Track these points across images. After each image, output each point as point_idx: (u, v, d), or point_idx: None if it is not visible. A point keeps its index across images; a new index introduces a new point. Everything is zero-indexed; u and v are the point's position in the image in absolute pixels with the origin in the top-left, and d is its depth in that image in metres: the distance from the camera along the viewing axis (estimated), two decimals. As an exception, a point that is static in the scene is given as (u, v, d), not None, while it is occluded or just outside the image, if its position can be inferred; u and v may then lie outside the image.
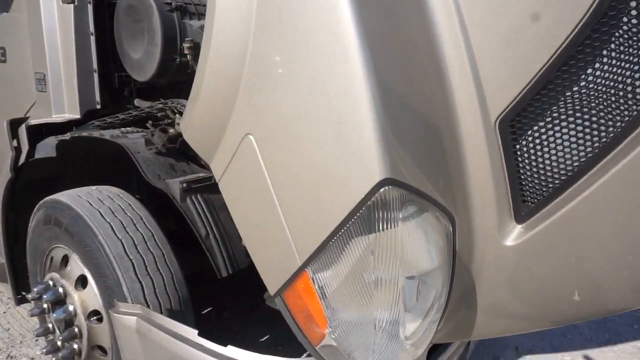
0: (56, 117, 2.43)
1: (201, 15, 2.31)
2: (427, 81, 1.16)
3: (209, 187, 2.11)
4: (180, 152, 2.21)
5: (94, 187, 2.32)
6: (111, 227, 2.08)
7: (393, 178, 1.05)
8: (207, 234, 2.01)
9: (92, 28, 2.34)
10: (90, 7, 2.32)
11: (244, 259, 2.09)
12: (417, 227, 1.15)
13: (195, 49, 2.17)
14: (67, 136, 2.25)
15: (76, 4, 2.29)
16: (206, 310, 3.24)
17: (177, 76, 2.32)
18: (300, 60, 1.09)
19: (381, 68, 1.03)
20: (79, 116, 2.39)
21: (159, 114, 2.36)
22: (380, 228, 1.10)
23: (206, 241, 2.00)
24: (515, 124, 1.22)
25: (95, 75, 2.37)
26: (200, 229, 2.01)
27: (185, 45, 2.16)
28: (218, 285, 2.99)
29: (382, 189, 1.05)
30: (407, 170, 1.08)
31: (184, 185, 2.03)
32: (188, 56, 2.18)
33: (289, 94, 1.11)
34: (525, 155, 1.24)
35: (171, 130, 2.17)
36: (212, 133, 1.27)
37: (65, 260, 2.26)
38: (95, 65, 2.37)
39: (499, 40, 1.15)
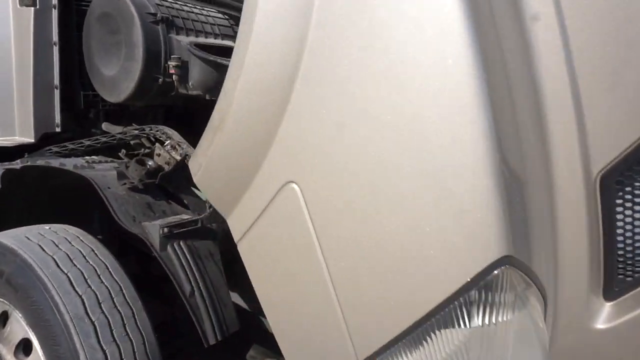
0: (3, 140, 2.03)
1: (189, 31, 2.00)
2: (524, 119, 0.91)
3: (194, 233, 1.77)
4: (160, 188, 1.85)
5: (46, 227, 1.91)
6: (69, 279, 1.68)
7: (513, 256, 0.78)
8: (192, 291, 1.66)
9: (55, 37, 1.98)
10: (54, 13, 1.97)
11: (235, 322, 1.75)
12: (528, 316, 0.88)
13: (183, 68, 1.87)
14: (16, 164, 1.85)
15: (37, 7, 1.93)
16: (171, 364, 2.80)
17: (156, 99, 2.00)
18: (382, 79, 0.80)
19: (494, 100, 0.77)
20: (32, 140, 2.00)
21: (132, 142, 2.00)
22: (486, 319, 0.82)
23: (191, 300, 1.65)
24: (622, 181, 0.99)
25: (57, 93, 2.01)
26: (183, 284, 1.66)
27: (171, 63, 1.86)
28: (186, 337, 2.60)
29: (497, 270, 0.78)
30: (522, 243, 0.82)
31: (165, 230, 1.68)
32: (174, 76, 1.88)
33: (361, 130, 0.82)
34: (629, 219, 1.01)
35: (150, 162, 1.82)
36: (237, 177, 0.95)
37: (3, 318, 1.82)
38: (57, 81, 2.00)
39: (613, 72, 0.92)
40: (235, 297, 2.13)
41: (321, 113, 0.85)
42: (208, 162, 1.01)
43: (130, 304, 1.73)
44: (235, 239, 1.04)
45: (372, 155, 0.82)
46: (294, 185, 0.89)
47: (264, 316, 2.09)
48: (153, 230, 1.68)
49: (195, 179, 1.08)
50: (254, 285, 1.06)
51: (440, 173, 0.78)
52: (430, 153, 0.79)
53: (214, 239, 1.83)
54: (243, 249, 1.04)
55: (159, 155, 1.84)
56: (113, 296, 1.71)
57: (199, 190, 2.00)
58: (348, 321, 0.87)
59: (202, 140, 1.04)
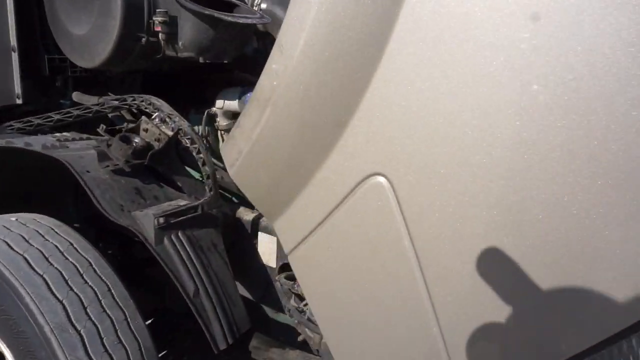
0: (-48, 116, 1.69)
1: (175, -20, 1.68)
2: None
3: (193, 221, 1.52)
4: (149, 170, 1.58)
5: (12, 217, 1.62)
6: (45, 282, 1.42)
7: None
8: (196, 290, 1.42)
9: (9, -12, 1.63)
10: (6, -43, 1.61)
11: (245, 321, 1.53)
12: None
13: (171, 24, 1.56)
14: (-29, 145, 1.53)
15: (-16, -51, 1.57)
16: (160, 355, 2.58)
17: (139, 63, 1.69)
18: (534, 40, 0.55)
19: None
20: (-12, 115, 1.67)
21: (111, 115, 1.70)
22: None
23: (195, 300, 1.42)
24: None
25: (14, 56, 1.67)
26: (186, 283, 1.42)
27: (157, 19, 1.55)
28: (174, 326, 2.39)
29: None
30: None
31: (160, 220, 1.42)
32: (160, 35, 1.58)
33: (490, 105, 0.57)
34: None
35: (136, 140, 1.54)
36: (293, 168, 0.68)
37: (-33, 327, 1.54)
38: (13, 42, 1.65)
39: None
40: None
41: (429, 80, 0.58)
42: (252, 148, 0.73)
43: (121, 306, 1.49)
44: (287, 248, 0.78)
45: (506, 139, 0.57)
46: (381, 179, 0.63)
47: (265, 304, 1.88)
48: (146, 221, 1.42)
49: (231, 172, 0.81)
50: (309, 301, 0.82)
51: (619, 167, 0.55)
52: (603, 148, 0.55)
53: (216, 226, 1.58)
54: (298, 259, 0.78)
55: (146, 130, 1.56)
56: (100, 298, 1.46)
57: (193, 169, 1.74)
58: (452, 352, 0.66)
59: (242, 118, 0.75)
